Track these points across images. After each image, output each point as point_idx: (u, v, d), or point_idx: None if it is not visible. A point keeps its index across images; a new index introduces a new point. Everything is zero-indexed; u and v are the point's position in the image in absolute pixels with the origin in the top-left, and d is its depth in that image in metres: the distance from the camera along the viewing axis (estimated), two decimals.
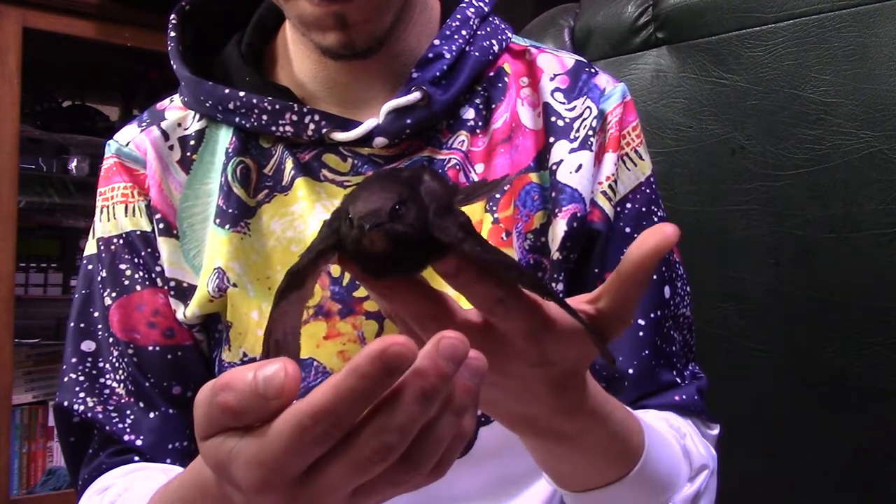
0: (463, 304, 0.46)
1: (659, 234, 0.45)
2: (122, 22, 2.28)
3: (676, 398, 0.78)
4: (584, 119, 0.80)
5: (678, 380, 0.80)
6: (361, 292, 0.75)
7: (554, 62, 0.83)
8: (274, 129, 0.78)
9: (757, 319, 1.05)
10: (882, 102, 0.95)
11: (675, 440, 0.69)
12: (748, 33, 1.05)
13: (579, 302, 0.47)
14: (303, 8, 0.71)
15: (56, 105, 2.59)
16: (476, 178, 0.78)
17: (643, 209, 0.81)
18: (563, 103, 0.81)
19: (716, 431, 0.81)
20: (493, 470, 0.76)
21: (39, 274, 2.37)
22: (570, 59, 0.84)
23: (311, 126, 0.77)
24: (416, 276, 0.44)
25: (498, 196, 0.77)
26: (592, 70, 0.83)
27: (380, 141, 0.76)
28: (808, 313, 1.01)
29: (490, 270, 0.43)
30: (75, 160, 2.40)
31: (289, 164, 0.78)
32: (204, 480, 0.49)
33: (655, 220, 0.81)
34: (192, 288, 0.79)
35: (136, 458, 0.79)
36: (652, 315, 0.79)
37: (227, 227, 0.78)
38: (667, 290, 0.80)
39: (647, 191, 0.81)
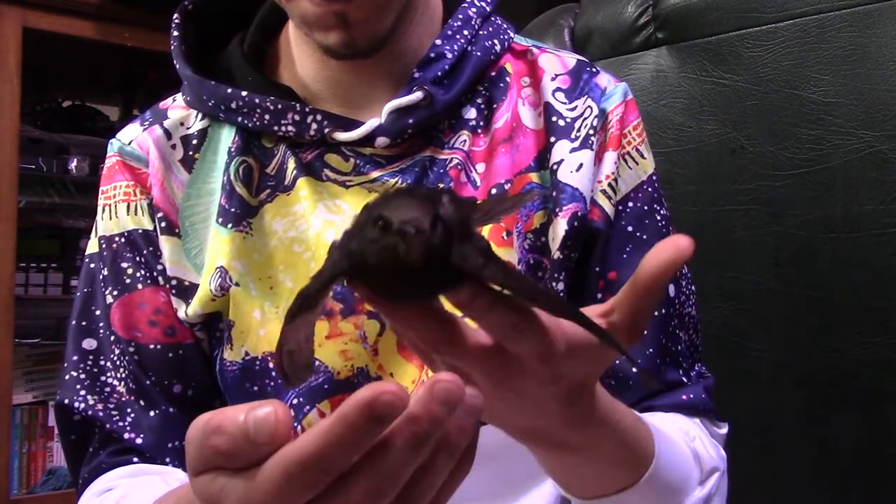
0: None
1: (673, 247, 0.44)
2: (122, 22, 2.28)
3: (684, 397, 0.77)
4: (585, 118, 0.80)
5: (684, 379, 0.79)
6: None
7: (555, 62, 0.83)
8: (276, 128, 0.78)
9: (757, 319, 1.05)
10: (882, 102, 0.95)
11: (685, 443, 0.69)
12: (748, 33, 1.05)
13: (591, 315, 0.46)
14: (304, 7, 0.72)
15: (56, 105, 2.59)
16: (477, 178, 0.78)
17: (645, 208, 0.81)
18: (565, 103, 0.81)
19: (724, 430, 0.80)
20: (496, 471, 0.76)
21: (39, 274, 2.37)
22: (571, 59, 0.84)
23: (314, 126, 0.77)
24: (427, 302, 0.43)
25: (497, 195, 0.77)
26: (594, 69, 0.83)
27: (382, 141, 0.76)
28: (808, 313, 1.01)
29: (502, 298, 0.42)
30: (75, 160, 2.40)
31: (291, 164, 0.79)
32: None
33: (658, 218, 0.81)
34: (194, 287, 0.79)
35: (136, 459, 0.79)
36: (656, 313, 0.78)
37: (230, 226, 0.78)
38: (671, 288, 0.80)
39: (650, 189, 0.81)
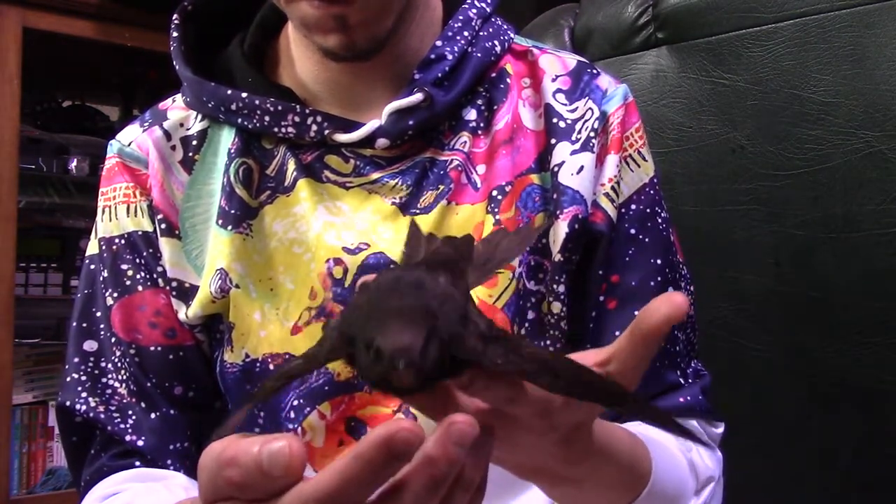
0: None
1: (670, 304, 0.45)
2: (122, 22, 2.28)
3: (681, 399, 0.78)
4: (586, 121, 0.80)
5: (682, 380, 0.79)
6: None
7: (556, 63, 0.83)
8: (276, 130, 0.78)
9: (757, 319, 1.05)
10: (882, 102, 0.95)
11: (682, 454, 0.70)
12: (748, 33, 1.05)
13: (588, 362, 0.47)
14: (304, 10, 0.72)
15: (56, 105, 2.59)
16: (478, 179, 0.78)
17: (647, 210, 0.81)
18: (565, 105, 0.81)
19: (720, 430, 0.81)
20: (496, 468, 0.76)
21: (39, 274, 2.37)
22: (571, 60, 0.84)
23: (314, 127, 0.77)
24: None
25: (500, 198, 0.77)
26: (594, 71, 0.83)
27: (382, 142, 0.76)
28: (808, 313, 1.01)
29: (499, 375, 0.43)
30: (75, 160, 2.40)
31: (291, 165, 0.79)
32: None
33: (659, 221, 0.81)
34: (194, 288, 0.79)
35: (138, 462, 0.79)
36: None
37: (230, 227, 0.78)
38: (670, 290, 0.80)
39: (651, 192, 0.81)
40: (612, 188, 0.79)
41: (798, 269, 1.02)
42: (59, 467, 2.35)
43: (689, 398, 0.78)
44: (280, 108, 0.77)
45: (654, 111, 1.12)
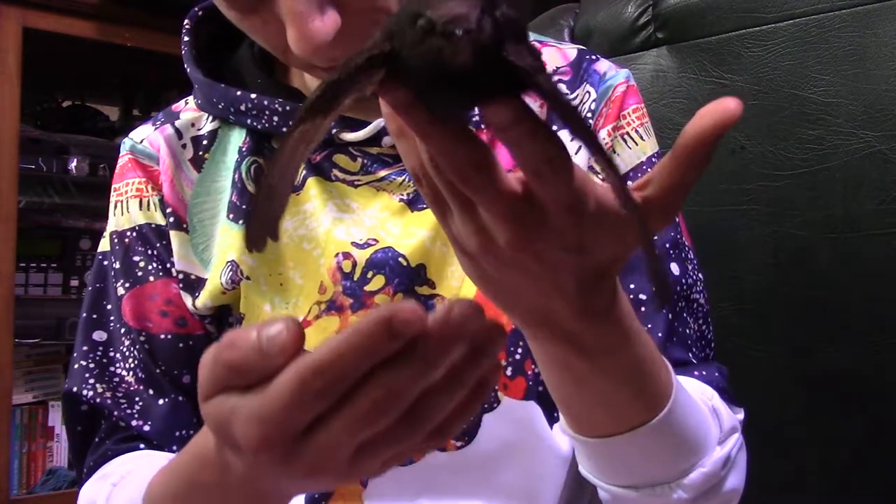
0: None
1: (719, 110, 0.40)
2: (122, 22, 2.28)
3: (696, 373, 0.75)
4: (585, 104, 0.81)
5: (693, 360, 0.77)
6: (373, 286, 0.76)
7: (557, 56, 0.84)
8: (285, 130, 0.78)
9: (757, 319, 1.05)
10: (882, 102, 0.95)
11: (703, 402, 0.66)
12: (748, 33, 1.05)
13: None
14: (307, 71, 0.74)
15: (56, 105, 2.59)
16: None
17: None
18: (567, 94, 0.81)
19: (741, 416, 0.76)
20: (499, 477, 0.76)
21: (39, 274, 2.37)
22: (572, 51, 0.85)
23: None
24: (461, 121, 0.39)
25: None
26: (593, 57, 0.84)
27: (388, 140, 0.77)
28: (808, 313, 1.01)
29: (544, 127, 0.39)
30: (75, 160, 2.40)
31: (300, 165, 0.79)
32: (204, 452, 0.50)
33: None
34: (200, 281, 0.80)
35: (142, 446, 0.79)
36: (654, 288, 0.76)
37: (241, 222, 0.79)
38: (674, 266, 0.78)
39: (649, 169, 0.81)
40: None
41: (798, 269, 1.02)
42: (59, 467, 2.35)
43: (704, 373, 0.75)
44: (289, 108, 0.78)
45: (654, 111, 1.12)
